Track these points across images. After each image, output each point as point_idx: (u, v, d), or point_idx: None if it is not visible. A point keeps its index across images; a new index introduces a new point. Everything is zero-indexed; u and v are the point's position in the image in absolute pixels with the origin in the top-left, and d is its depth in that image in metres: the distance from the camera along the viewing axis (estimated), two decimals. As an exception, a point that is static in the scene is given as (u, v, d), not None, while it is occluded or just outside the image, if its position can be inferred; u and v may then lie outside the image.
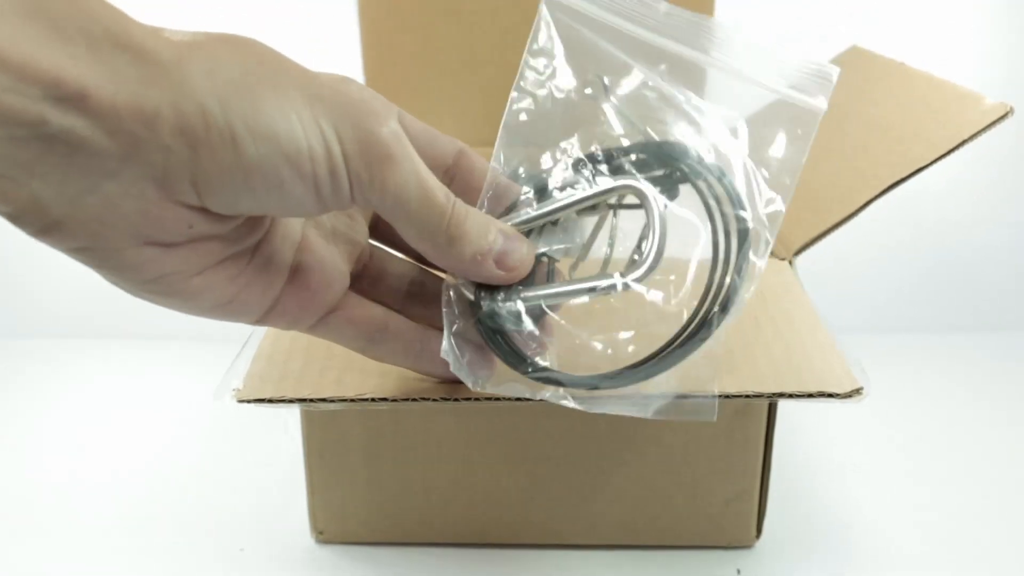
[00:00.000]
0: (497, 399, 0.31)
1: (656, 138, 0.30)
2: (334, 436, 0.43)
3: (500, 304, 0.29)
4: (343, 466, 0.44)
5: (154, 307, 0.27)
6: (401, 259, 0.33)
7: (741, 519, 0.44)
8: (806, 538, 0.46)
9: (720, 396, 0.31)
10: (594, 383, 0.30)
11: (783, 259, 0.42)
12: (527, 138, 0.31)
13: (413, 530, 0.45)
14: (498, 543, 0.45)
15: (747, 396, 0.32)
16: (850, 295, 0.71)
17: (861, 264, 0.71)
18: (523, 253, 0.29)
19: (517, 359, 0.30)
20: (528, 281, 0.29)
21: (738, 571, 0.44)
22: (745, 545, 0.45)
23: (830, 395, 0.32)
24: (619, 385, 0.30)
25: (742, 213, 0.29)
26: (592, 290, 0.29)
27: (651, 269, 0.28)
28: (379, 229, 0.33)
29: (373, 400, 0.33)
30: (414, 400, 0.32)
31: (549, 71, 0.31)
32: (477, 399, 0.32)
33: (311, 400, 0.33)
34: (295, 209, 0.25)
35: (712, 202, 0.29)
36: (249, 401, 0.33)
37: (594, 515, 0.44)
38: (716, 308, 0.29)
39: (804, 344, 0.35)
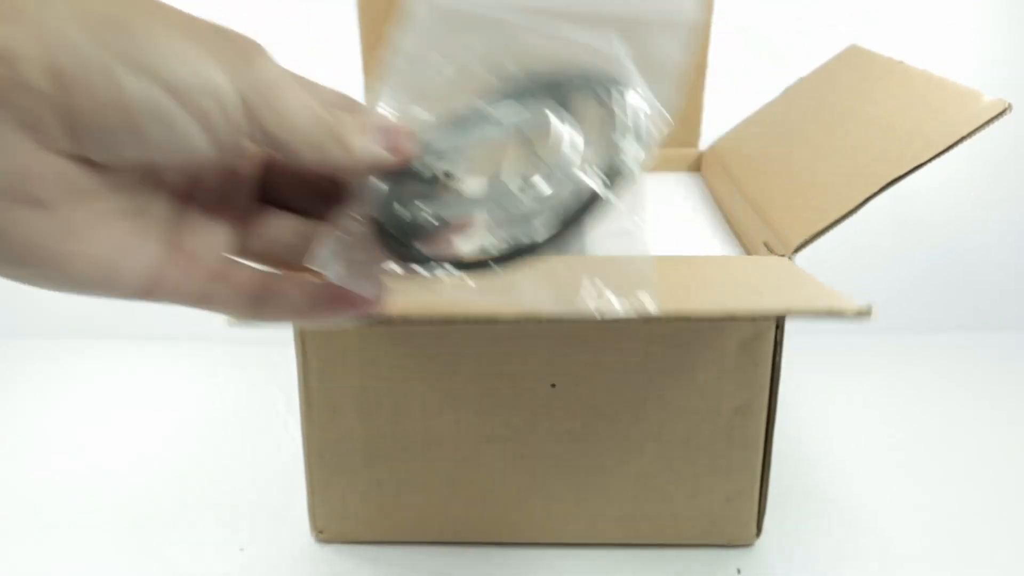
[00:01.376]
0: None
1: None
2: (334, 436, 0.43)
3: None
4: (343, 465, 0.44)
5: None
6: (286, 219, 0.31)
7: (741, 517, 0.44)
8: (806, 537, 0.46)
9: (727, 318, 0.31)
10: (485, 263, 0.28)
11: (783, 255, 0.42)
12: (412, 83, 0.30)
13: (413, 529, 0.45)
14: (498, 542, 0.45)
15: (753, 318, 0.31)
16: (850, 295, 0.71)
17: (861, 264, 0.71)
18: (409, 133, 0.28)
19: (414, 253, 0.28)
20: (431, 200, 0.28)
21: (738, 570, 0.44)
22: (745, 544, 0.45)
23: (839, 313, 0.32)
24: (510, 262, 0.28)
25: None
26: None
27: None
28: (264, 185, 0.31)
29: None
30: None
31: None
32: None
33: None
34: (185, 150, 0.23)
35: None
36: None
37: (594, 514, 0.44)
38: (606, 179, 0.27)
39: (807, 283, 0.35)
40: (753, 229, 0.46)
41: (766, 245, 0.42)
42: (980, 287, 0.73)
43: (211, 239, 0.28)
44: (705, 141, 0.64)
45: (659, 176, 0.62)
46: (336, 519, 0.45)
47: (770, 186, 0.47)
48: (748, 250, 0.47)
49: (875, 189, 0.35)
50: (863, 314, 0.31)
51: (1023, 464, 0.53)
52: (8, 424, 0.57)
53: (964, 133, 0.33)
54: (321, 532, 0.46)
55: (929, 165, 0.35)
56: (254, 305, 0.29)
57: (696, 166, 0.64)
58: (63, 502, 0.49)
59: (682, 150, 0.64)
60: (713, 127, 0.63)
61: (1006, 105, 0.33)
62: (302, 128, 0.25)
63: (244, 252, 0.30)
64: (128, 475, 0.52)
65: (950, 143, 0.34)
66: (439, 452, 0.43)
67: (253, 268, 0.29)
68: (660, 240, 0.50)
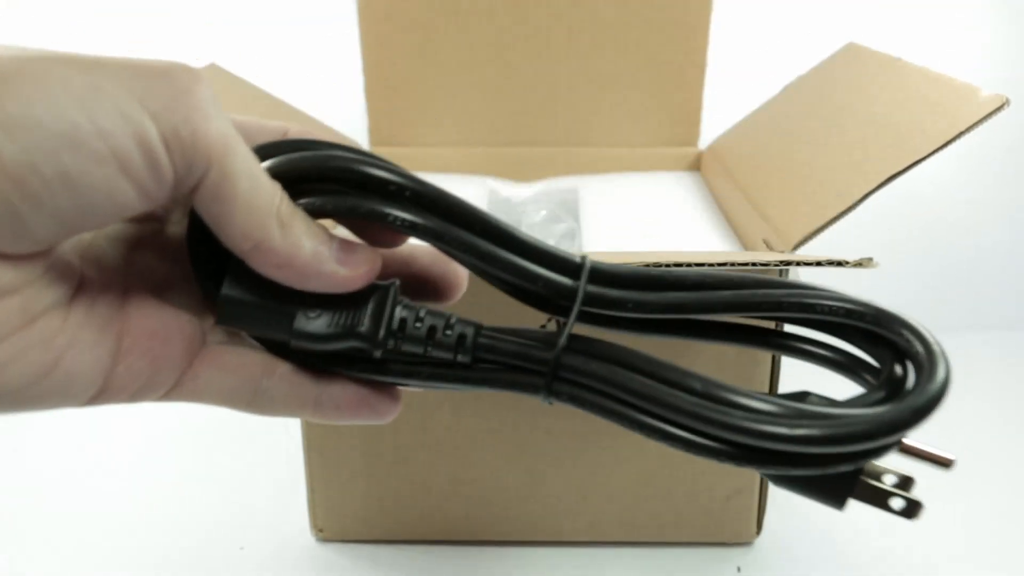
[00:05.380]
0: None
1: None
2: (334, 435, 0.43)
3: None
4: (343, 464, 0.44)
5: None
6: None
7: (741, 515, 0.44)
8: (806, 535, 0.46)
9: (726, 263, 0.31)
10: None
11: (782, 252, 0.42)
12: None
13: (413, 528, 0.45)
14: (498, 540, 0.45)
15: (753, 263, 0.31)
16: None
17: (861, 264, 0.71)
18: (369, 253, 0.23)
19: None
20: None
21: (738, 568, 0.44)
22: (745, 542, 0.45)
23: (839, 263, 0.32)
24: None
25: None
26: None
27: None
28: None
29: None
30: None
31: None
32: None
33: None
34: (106, 205, 0.19)
35: None
36: None
37: (593, 512, 0.44)
38: None
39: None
40: (752, 227, 0.46)
41: (765, 243, 0.43)
42: (980, 287, 0.73)
43: (173, 310, 0.23)
44: (705, 140, 0.64)
45: (659, 175, 0.62)
46: (336, 518, 0.45)
47: (769, 184, 0.47)
48: (747, 248, 0.47)
49: (874, 185, 0.35)
50: (865, 264, 0.32)
51: (1022, 464, 0.53)
52: (7, 423, 0.57)
53: (962, 128, 0.33)
54: (321, 531, 0.46)
55: (929, 164, 0.35)
56: (253, 390, 0.24)
57: (696, 165, 0.64)
58: (62, 501, 0.49)
59: (682, 149, 0.64)
60: (713, 126, 0.63)
61: (1004, 100, 0.33)
62: (244, 198, 0.21)
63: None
64: (128, 474, 0.52)
65: (949, 138, 0.34)
66: (439, 452, 0.43)
67: (246, 350, 0.24)
68: (660, 238, 0.50)
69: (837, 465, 0.22)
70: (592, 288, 0.24)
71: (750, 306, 0.24)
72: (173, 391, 0.23)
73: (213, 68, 0.51)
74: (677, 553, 0.45)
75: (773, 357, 0.40)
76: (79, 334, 0.21)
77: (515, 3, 0.60)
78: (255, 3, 0.70)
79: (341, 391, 0.24)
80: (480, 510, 0.44)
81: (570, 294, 0.24)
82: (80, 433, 0.56)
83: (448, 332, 0.24)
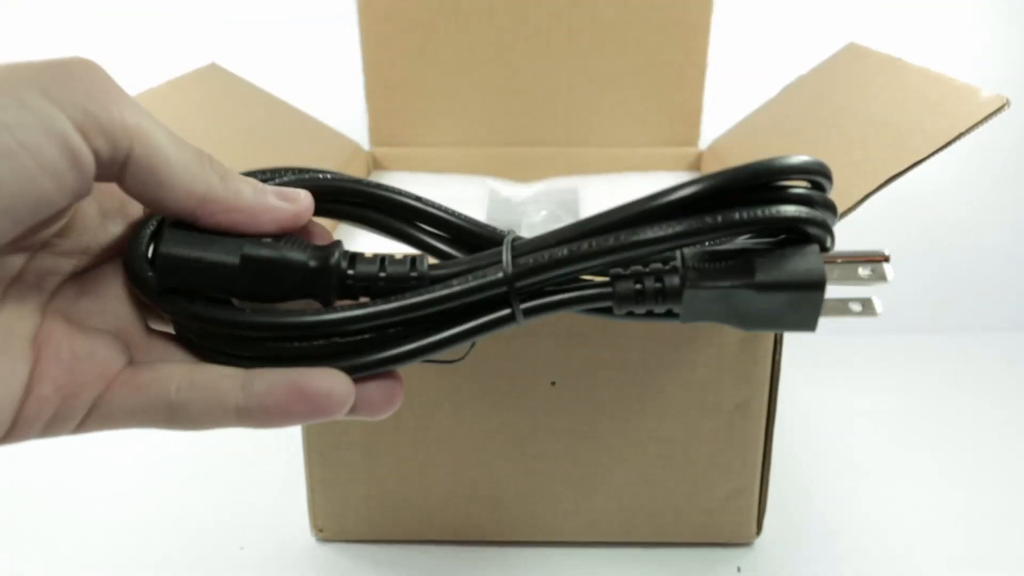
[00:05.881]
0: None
1: None
2: (334, 434, 0.43)
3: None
4: (343, 464, 0.44)
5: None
6: None
7: (741, 516, 0.44)
8: (806, 535, 0.46)
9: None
10: None
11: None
12: None
13: (413, 528, 0.45)
14: (497, 540, 0.45)
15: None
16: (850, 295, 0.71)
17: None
18: (303, 193, 0.24)
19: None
20: None
21: (738, 568, 0.44)
22: (745, 542, 0.45)
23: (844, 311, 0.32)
24: None
25: None
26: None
27: None
28: None
29: None
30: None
31: None
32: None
33: None
34: (24, 202, 0.19)
35: None
36: None
37: (594, 512, 0.44)
38: None
39: None
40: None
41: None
42: (981, 287, 0.73)
43: (82, 334, 0.22)
44: (705, 140, 0.64)
45: (659, 175, 0.62)
46: (336, 518, 0.45)
47: (769, 184, 0.47)
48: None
49: (875, 186, 0.35)
50: (868, 311, 0.31)
51: (1023, 464, 0.53)
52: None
53: (963, 129, 0.33)
54: (321, 531, 0.46)
55: (929, 165, 0.35)
56: (169, 405, 0.22)
57: (696, 165, 0.64)
58: (62, 501, 0.49)
59: (682, 149, 0.64)
60: (713, 127, 0.63)
61: (1005, 101, 0.33)
62: (177, 161, 0.21)
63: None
64: (128, 473, 0.52)
65: (949, 139, 0.34)
66: (439, 451, 0.43)
67: (160, 365, 0.23)
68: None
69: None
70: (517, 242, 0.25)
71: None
72: (87, 420, 0.22)
73: (213, 68, 0.51)
74: (677, 553, 0.45)
75: (774, 354, 0.40)
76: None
77: (515, 3, 0.60)
78: (255, 3, 0.70)
79: (267, 387, 0.22)
80: (480, 510, 0.44)
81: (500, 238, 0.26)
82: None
83: (398, 259, 0.24)
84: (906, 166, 0.35)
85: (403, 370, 0.24)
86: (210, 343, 0.24)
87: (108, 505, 0.49)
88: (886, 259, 0.28)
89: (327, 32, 0.68)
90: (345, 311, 0.23)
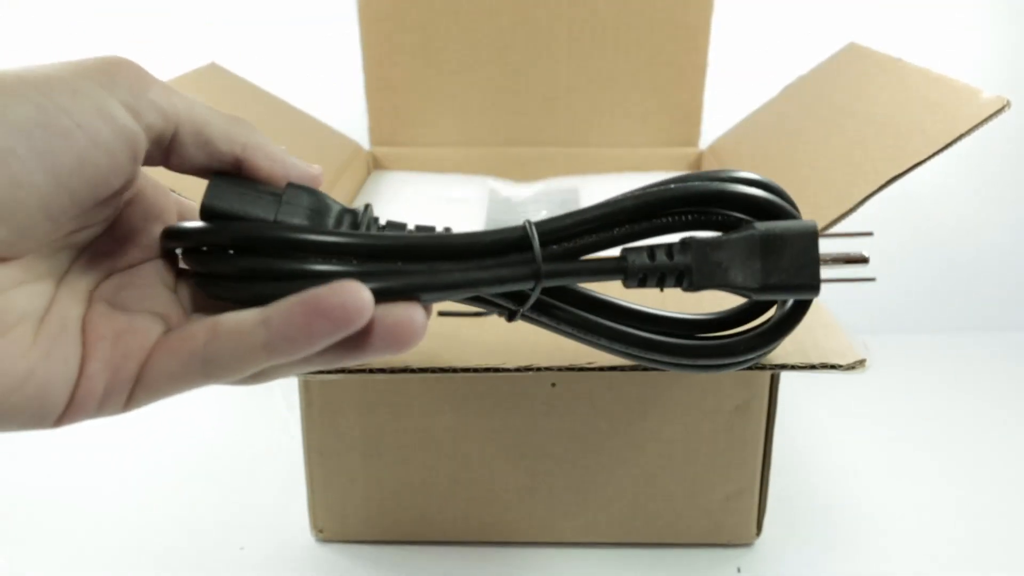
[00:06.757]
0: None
1: None
2: (334, 435, 0.43)
3: None
4: (343, 465, 0.44)
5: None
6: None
7: (741, 516, 0.44)
8: (806, 536, 0.46)
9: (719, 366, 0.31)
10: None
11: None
12: None
13: (413, 528, 0.45)
14: (497, 541, 0.45)
15: (749, 367, 0.32)
16: (850, 295, 0.71)
17: (861, 264, 0.71)
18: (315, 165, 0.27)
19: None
20: None
21: (738, 569, 0.44)
22: (745, 543, 0.45)
23: (833, 367, 0.32)
24: None
25: None
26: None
27: None
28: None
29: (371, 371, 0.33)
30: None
31: None
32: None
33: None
34: (81, 178, 0.21)
35: None
36: None
37: (593, 513, 0.44)
38: None
39: (806, 320, 0.35)
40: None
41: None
42: (981, 288, 0.73)
43: (124, 319, 0.24)
44: (705, 140, 0.64)
45: (659, 175, 0.62)
46: (336, 519, 0.45)
47: (770, 185, 0.47)
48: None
49: (875, 187, 0.35)
50: (859, 365, 0.32)
51: (1023, 464, 0.53)
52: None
53: (964, 130, 0.33)
54: (321, 531, 0.46)
55: (930, 165, 0.35)
56: (204, 359, 0.23)
57: (696, 165, 0.64)
58: (62, 501, 0.49)
59: (682, 149, 0.64)
60: (713, 127, 0.63)
61: (1005, 102, 0.33)
62: (219, 120, 0.24)
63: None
64: (128, 473, 0.52)
65: (950, 140, 0.34)
66: (439, 452, 0.43)
67: (186, 327, 0.24)
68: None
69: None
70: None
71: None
72: (135, 393, 0.23)
73: (213, 68, 0.51)
74: (677, 554, 0.45)
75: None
76: (51, 346, 0.21)
77: (515, 3, 0.60)
78: (255, 3, 0.70)
79: (284, 314, 0.22)
80: (480, 510, 0.44)
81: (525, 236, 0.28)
82: (80, 433, 0.56)
83: (428, 227, 0.27)
84: (906, 167, 0.35)
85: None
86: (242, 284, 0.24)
87: (108, 505, 0.49)
88: (865, 260, 0.31)
89: (327, 32, 0.68)
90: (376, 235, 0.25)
